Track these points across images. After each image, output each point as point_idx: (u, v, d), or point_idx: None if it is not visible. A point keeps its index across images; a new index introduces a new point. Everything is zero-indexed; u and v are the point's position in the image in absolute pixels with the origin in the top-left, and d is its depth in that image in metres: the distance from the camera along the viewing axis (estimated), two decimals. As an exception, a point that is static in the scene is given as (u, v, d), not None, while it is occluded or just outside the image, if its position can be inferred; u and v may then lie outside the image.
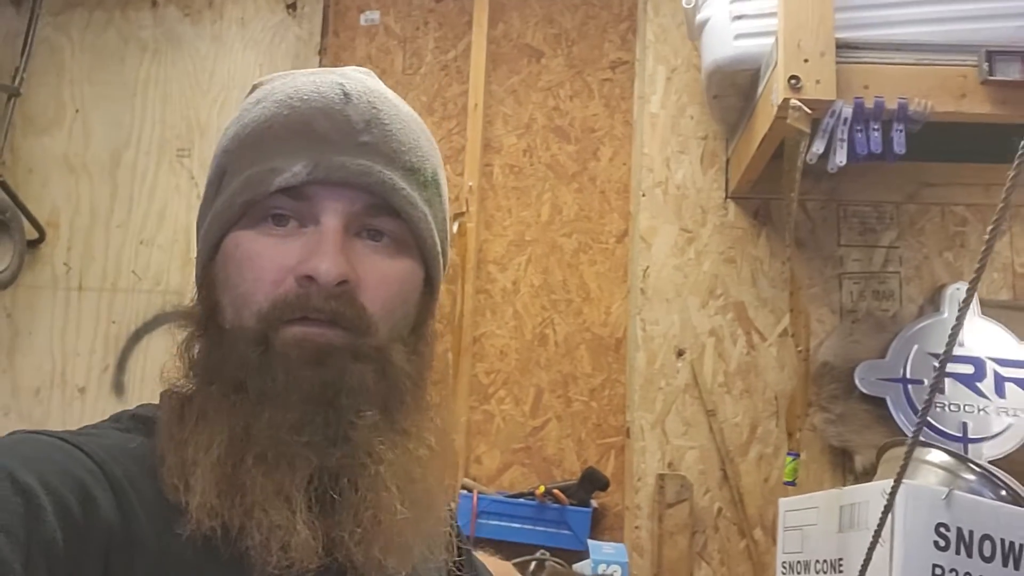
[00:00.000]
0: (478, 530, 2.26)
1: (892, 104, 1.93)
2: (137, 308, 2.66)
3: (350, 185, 0.80)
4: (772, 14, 2.00)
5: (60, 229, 2.72)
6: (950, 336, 1.01)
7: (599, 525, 2.36)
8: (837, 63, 1.92)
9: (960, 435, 2.16)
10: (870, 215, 2.45)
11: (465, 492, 2.32)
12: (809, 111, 1.89)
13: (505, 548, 2.10)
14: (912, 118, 1.93)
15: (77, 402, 2.62)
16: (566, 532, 2.29)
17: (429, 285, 0.88)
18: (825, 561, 1.61)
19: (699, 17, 2.22)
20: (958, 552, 1.38)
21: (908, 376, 2.24)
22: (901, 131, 1.94)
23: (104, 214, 2.72)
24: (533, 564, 2.21)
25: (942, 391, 2.20)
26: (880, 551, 1.33)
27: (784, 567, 1.76)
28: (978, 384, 2.20)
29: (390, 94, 0.89)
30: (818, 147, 1.95)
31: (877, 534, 1.24)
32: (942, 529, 1.39)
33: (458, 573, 0.98)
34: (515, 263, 2.56)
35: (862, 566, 1.27)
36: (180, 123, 2.76)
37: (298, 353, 0.76)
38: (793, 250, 2.16)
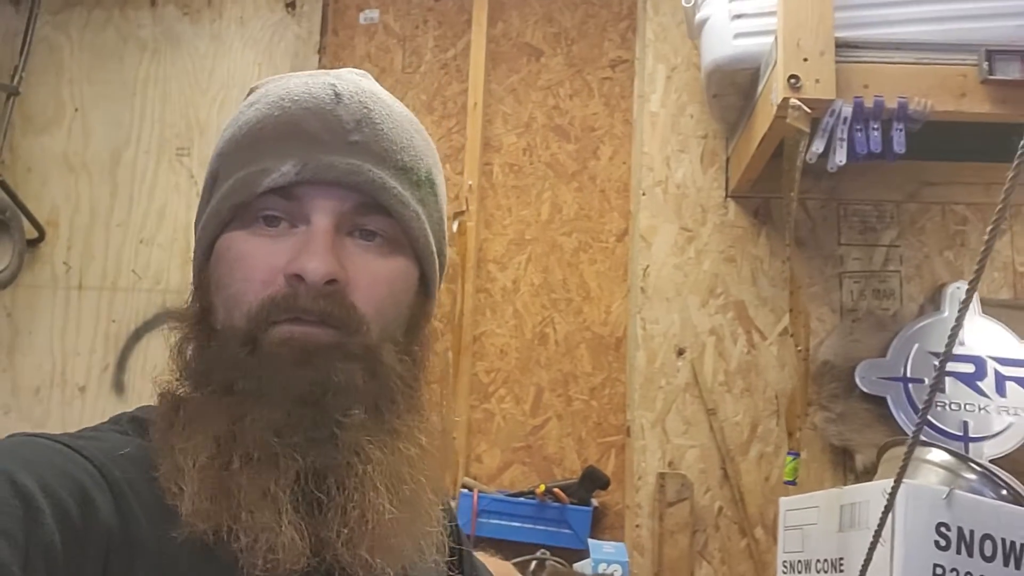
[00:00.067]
0: (479, 529, 2.26)
1: (892, 103, 1.92)
2: (137, 307, 2.66)
3: (339, 184, 0.80)
4: (771, 13, 2.00)
5: (60, 228, 2.72)
6: (950, 335, 1.01)
7: (600, 524, 2.36)
8: (837, 62, 1.92)
9: (961, 434, 2.16)
10: (870, 214, 2.45)
11: (465, 491, 2.32)
12: (809, 110, 1.89)
13: (505, 547, 2.10)
14: (912, 117, 1.93)
15: (77, 401, 2.62)
16: (567, 531, 2.29)
17: (424, 285, 0.88)
18: (826, 560, 1.61)
19: (699, 16, 2.22)
20: (959, 552, 1.38)
21: (909, 375, 2.24)
22: (901, 130, 1.93)
23: (104, 213, 2.72)
24: (534, 563, 2.21)
25: (943, 390, 2.19)
26: (881, 550, 1.32)
27: (785, 566, 1.76)
28: (979, 383, 2.20)
29: (384, 94, 0.88)
30: (818, 146, 1.94)
31: (878, 534, 1.24)
32: (943, 528, 1.39)
33: (453, 574, 0.98)
34: (515, 262, 2.56)
35: (863, 566, 1.27)
36: (180, 122, 2.75)
37: (285, 353, 0.76)
38: (793, 249, 2.15)
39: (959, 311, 0.98)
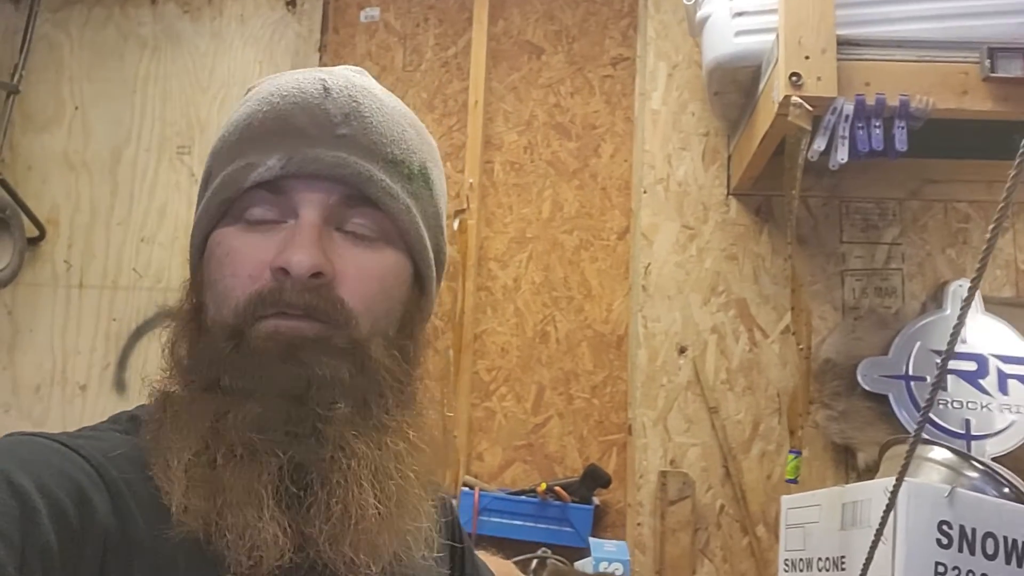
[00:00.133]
0: (480, 527, 2.26)
1: (893, 101, 1.92)
2: (138, 306, 2.66)
3: (325, 177, 0.79)
4: (773, 11, 2.00)
5: (60, 227, 2.72)
6: (952, 333, 1.00)
7: (601, 522, 2.36)
8: (838, 60, 1.91)
9: (963, 432, 2.16)
10: (872, 212, 2.44)
11: (467, 489, 2.32)
12: (810, 108, 1.89)
13: (507, 545, 2.10)
14: (914, 115, 1.93)
15: (78, 399, 2.62)
16: (568, 529, 2.29)
17: (419, 281, 0.87)
18: (827, 559, 1.61)
19: (700, 14, 2.22)
20: (961, 550, 1.38)
21: (911, 373, 2.23)
22: (903, 128, 1.93)
23: (104, 211, 2.72)
24: (535, 562, 2.21)
25: (945, 388, 2.19)
26: (882, 549, 1.32)
27: (786, 565, 1.75)
28: (981, 381, 2.20)
29: (378, 89, 0.88)
30: (819, 144, 1.94)
31: (879, 532, 1.24)
32: (945, 527, 1.38)
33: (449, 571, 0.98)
34: (516, 260, 2.55)
35: (864, 564, 1.27)
36: (180, 120, 2.75)
37: (271, 347, 0.75)
38: (795, 247, 2.15)
39: (961, 309, 0.98)
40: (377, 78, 0.92)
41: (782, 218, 2.41)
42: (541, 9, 2.71)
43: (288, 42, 2.77)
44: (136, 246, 2.69)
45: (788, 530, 1.78)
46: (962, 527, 1.39)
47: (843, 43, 1.93)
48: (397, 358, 0.81)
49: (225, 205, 0.81)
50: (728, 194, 2.48)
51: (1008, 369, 2.21)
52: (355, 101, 0.83)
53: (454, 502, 2.13)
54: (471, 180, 2.57)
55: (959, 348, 2.19)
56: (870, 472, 2.15)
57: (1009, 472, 1.58)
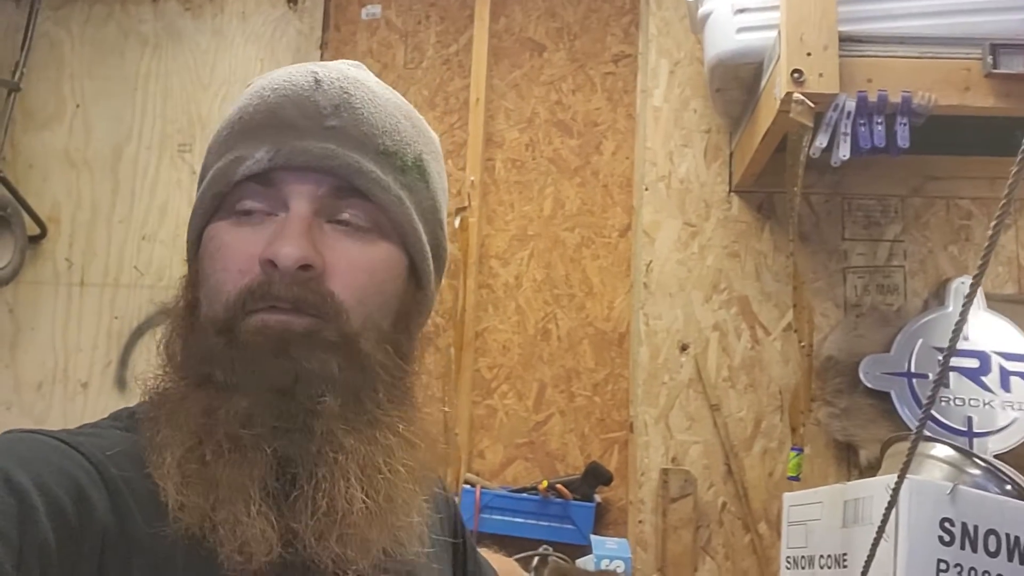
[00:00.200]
0: (481, 525, 2.26)
1: (896, 97, 1.92)
2: (139, 303, 2.66)
3: (314, 169, 0.79)
4: (774, 7, 2.00)
5: (61, 225, 2.72)
6: (955, 330, 1.00)
7: (602, 520, 2.36)
8: (840, 56, 1.91)
9: (965, 429, 2.16)
10: (874, 209, 2.44)
11: (468, 487, 2.32)
12: (812, 105, 1.88)
13: (508, 543, 2.10)
14: (916, 111, 1.92)
15: (80, 397, 2.62)
16: (569, 527, 2.29)
17: (415, 275, 0.86)
18: (829, 556, 1.61)
19: (701, 10, 2.22)
20: (963, 547, 1.38)
21: (913, 370, 2.23)
22: (905, 124, 1.93)
23: (105, 209, 2.72)
24: (536, 559, 2.21)
25: (947, 385, 2.19)
26: (884, 546, 1.32)
27: (788, 562, 1.75)
28: (983, 378, 2.19)
29: (372, 81, 0.87)
30: (821, 141, 1.94)
31: (881, 529, 1.24)
32: (947, 524, 1.38)
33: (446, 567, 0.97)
34: (517, 258, 2.55)
35: (866, 561, 1.27)
36: (181, 118, 2.75)
37: (261, 342, 0.74)
38: (797, 244, 2.15)
39: (963, 306, 0.98)
40: (378, 75, 0.91)
41: (784, 215, 2.41)
42: (543, 6, 2.71)
43: (289, 39, 2.77)
44: (137, 244, 2.69)
45: (790, 527, 1.77)
46: (964, 524, 1.39)
47: (845, 39, 1.93)
48: (390, 353, 0.80)
49: (217, 200, 0.81)
50: (730, 191, 2.47)
51: (1010, 366, 2.20)
52: (346, 93, 0.82)
53: (456, 498, 2.13)
54: (472, 178, 2.57)
55: (961, 345, 2.18)
56: (872, 469, 2.15)
57: (1011, 469, 1.58)
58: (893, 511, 1.26)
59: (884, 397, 2.23)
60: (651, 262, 2.45)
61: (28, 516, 0.62)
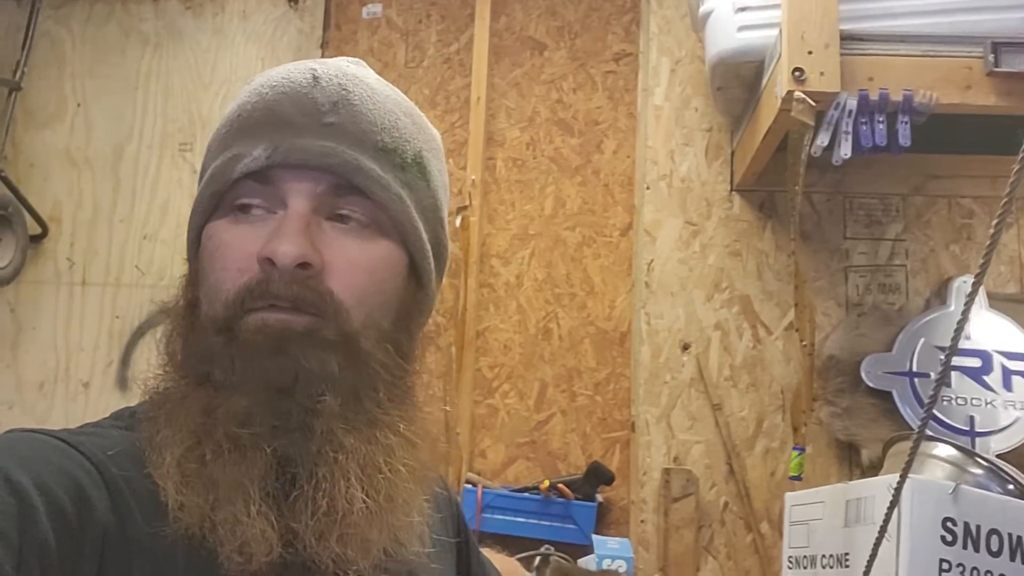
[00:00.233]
0: (483, 525, 2.26)
1: (897, 96, 1.91)
2: (141, 303, 2.66)
3: (312, 167, 0.78)
4: (776, 6, 1.99)
5: (62, 224, 2.72)
6: (956, 329, 1.00)
7: (604, 519, 2.36)
8: (841, 55, 1.90)
9: (967, 429, 2.15)
10: (876, 207, 2.43)
11: (470, 487, 2.32)
12: (813, 103, 1.88)
13: (510, 543, 2.10)
14: (917, 110, 1.92)
15: (81, 397, 2.62)
16: (571, 526, 2.29)
17: (416, 274, 0.85)
18: (831, 556, 1.60)
19: (703, 9, 2.21)
20: (965, 547, 1.38)
21: (914, 369, 2.23)
22: (906, 123, 1.93)
23: (107, 208, 2.72)
24: (538, 559, 2.21)
25: (949, 385, 2.19)
26: (886, 546, 1.32)
27: (790, 561, 1.75)
28: (985, 377, 2.19)
29: (371, 78, 0.86)
30: (822, 139, 1.94)
31: (883, 529, 1.24)
32: (949, 523, 1.38)
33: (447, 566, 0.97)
34: (518, 257, 2.55)
35: (868, 561, 1.26)
36: (182, 116, 2.75)
37: (260, 341, 0.74)
38: (798, 243, 2.15)
39: (965, 305, 0.98)
40: (379, 74, 0.91)
41: (785, 214, 2.40)
42: (543, 5, 2.70)
43: (290, 38, 2.76)
44: (139, 243, 2.69)
45: (792, 527, 1.77)
46: (966, 524, 1.38)
47: (846, 38, 1.92)
48: (390, 352, 0.80)
49: (216, 198, 0.81)
50: (731, 190, 2.47)
51: (1012, 365, 2.20)
52: (344, 89, 0.82)
53: (458, 498, 2.12)
54: (473, 177, 2.56)
55: (963, 344, 2.18)
56: (874, 469, 2.15)
57: (1013, 469, 1.58)
58: (895, 511, 1.26)
59: (886, 396, 2.23)
60: (652, 261, 2.44)
61: (28, 516, 0.61)
